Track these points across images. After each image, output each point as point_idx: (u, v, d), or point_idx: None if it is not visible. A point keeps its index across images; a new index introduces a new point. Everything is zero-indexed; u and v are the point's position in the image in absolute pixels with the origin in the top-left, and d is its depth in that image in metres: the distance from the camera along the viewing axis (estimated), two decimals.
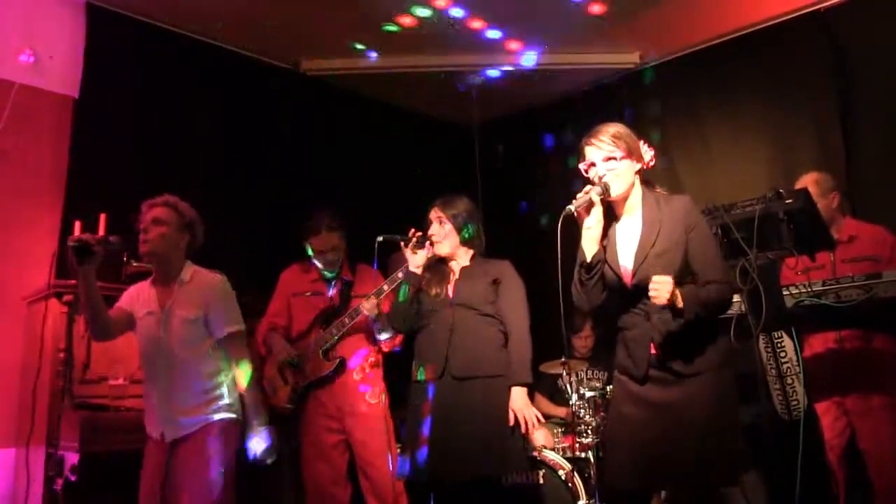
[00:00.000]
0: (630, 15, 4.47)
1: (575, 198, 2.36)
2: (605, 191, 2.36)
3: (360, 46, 4.71)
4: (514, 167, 5.65)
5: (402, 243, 3.02)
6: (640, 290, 2.34)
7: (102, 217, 3.37)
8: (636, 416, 2.37)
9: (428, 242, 3.01)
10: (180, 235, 2.86)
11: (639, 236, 2.40)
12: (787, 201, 2.68)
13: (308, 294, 3.61)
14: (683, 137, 4.86)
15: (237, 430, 2.84)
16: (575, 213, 2.36)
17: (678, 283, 2.26)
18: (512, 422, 2.86)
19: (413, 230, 3.03)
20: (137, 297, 2.90)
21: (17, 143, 3.82)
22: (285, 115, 4.79)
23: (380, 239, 3.12)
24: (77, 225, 3.36)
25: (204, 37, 4.53)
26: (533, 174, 5.52)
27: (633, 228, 2.43)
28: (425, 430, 2.85)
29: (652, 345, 2.35)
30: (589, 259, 2.38)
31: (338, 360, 3.44)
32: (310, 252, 3.59)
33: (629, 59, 4.97)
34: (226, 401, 2.81)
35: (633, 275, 2.37)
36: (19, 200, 3.80)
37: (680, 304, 2.23)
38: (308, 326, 3.54)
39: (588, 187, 2.38)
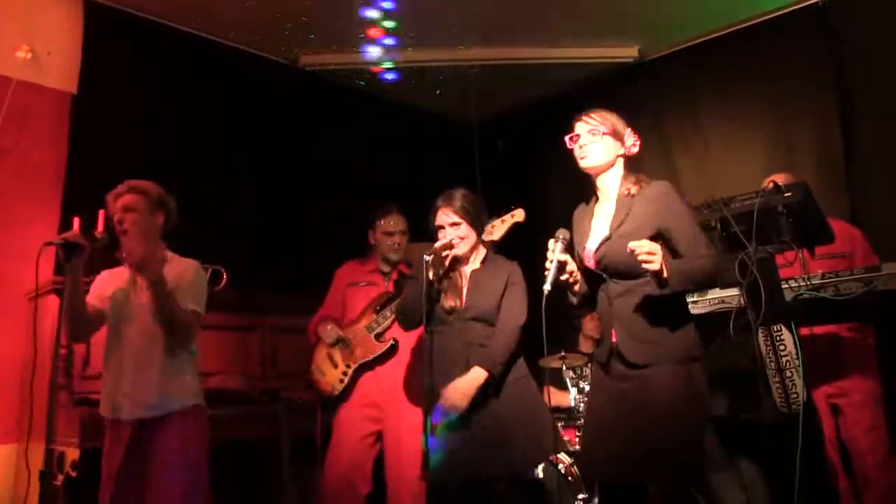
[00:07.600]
0: (628, 9, 4.46)
1: (545, 270, 2.36)
2: (565, 240, 2.40)
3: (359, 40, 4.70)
4: (512, 163, 5.64)
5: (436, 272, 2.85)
6: (603, 271, 2.39)
7: (101, 213, 3.35)
8: (603, 406, 2.39)
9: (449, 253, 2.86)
10: (154, 217, 2.85)
11: (610, 219, 2.43)
12: (787, 195, 2.68)
13: (363, 284, 3.58)
14: (682, 131, 4.86)
15: (204, 415, 2.83)
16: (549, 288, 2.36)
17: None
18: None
19: (437, 253, 2.84)
20: (110, 280, 2.87)
21: (15, 140, 3.82)
22: (284, 111, 4.78)
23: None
24: (76, 221, 3.34)
25: (202, 32, 4.52)
26: (531, 169, 5.51)
27: (607, 211, 2.46)
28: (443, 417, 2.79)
29: (613, 331, 2.36)
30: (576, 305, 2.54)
31: (390, 342, 3.38)
32: (372, 241, 3.59)
33: (628, 52, 4.96)
34: (191, 383, 2.79)
35: (596, 255, 2.40)
36: (18, 197, 3.80)
37: (666, 274, 2.20)
38: (360, 313, 3.51)
39: (550, 250, 2.38)
